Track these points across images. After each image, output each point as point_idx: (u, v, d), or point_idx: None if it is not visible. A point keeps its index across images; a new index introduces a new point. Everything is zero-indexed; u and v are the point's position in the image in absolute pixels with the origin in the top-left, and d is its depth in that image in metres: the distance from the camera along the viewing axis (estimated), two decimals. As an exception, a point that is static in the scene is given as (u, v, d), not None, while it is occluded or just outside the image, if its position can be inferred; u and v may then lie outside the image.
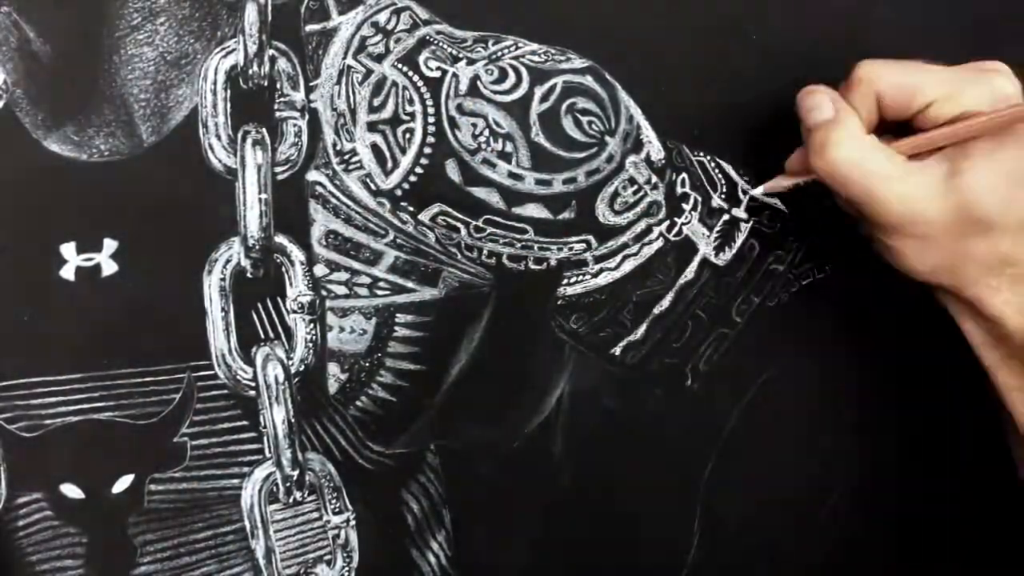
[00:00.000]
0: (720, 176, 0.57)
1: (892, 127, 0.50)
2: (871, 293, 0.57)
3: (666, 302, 0.56)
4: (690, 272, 0.57)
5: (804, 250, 0.58)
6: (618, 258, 0.56)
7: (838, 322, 0.59)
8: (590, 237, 0.55)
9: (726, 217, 0.57)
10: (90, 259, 0.50)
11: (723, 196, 0.57)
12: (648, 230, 0.56)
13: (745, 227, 0.57)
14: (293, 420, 0.53)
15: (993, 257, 0.49)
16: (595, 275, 0.56)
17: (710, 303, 0.57)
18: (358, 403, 0.54)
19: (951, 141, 0.49)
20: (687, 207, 0.57)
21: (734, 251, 0.57)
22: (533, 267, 0.55)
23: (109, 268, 0.50)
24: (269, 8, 0.51)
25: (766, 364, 0.58)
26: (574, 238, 0.55)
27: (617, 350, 0.56)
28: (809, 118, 0.50)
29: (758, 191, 0.55)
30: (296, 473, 0.53)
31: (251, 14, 0.51)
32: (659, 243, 0.56)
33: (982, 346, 0.51)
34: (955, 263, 0.49)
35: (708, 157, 0.57)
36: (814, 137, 0.49)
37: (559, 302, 0.56)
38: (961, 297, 0.50)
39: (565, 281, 0.55)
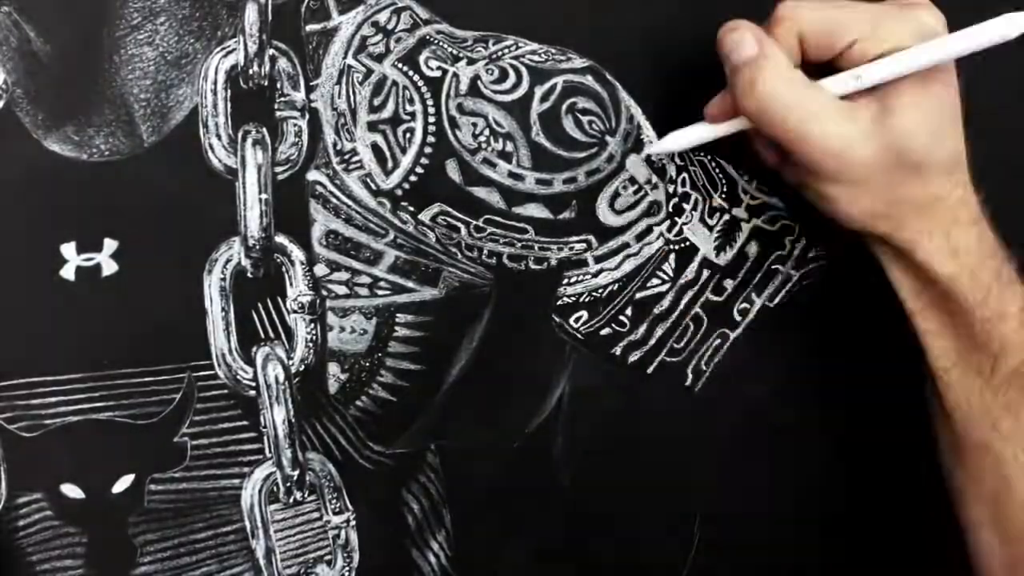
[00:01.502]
0: (721, 176, 0.57)
1: (814, 70, 0.49)
2: (873, 292, 0.57)
3: (666, 302, 0.57)
4: (691, 272, 0.57)
5: (805, 250, 0.58)
6: (618, 258, 0.56)
7: (840, 321, 0.59)
8: (590, 237, 0.55)
9: (727, 217, 0.57)
10: (90, 259, 0.50)
11: (724, 196, 0.57)
12: (648, 230, 0.56)
13: (746, 227, 0.57)
14: (293, 420, 0.53)
15: (924, 199, 0.48)
16: (595, 275, 0.56)
17: (711, 303, 0.57)
18: (358, 403, 0.54)
19: (878, 80, 0.48)
20: (688, 207, 0.57)
21: (735, 251, 0.57)
22: (533, 267, 0.55)
23: (109, 268, 0.50)
24: (269, 8, 0.51)
25: (767, 364, 0.58)
26: (574, 238, 0.55)
27: (618, 350, 0.56)
28: (733, 56, 0.48)
29: (666, 144, 0.53)
30: (296, 473, 0.53)
31: (251, 14, 0.51)
32: (659, 243, 0.56)
33: (908, 293, 0.51)
34: (888, 207, 0.48)
35: (709, 157, 0.57)
36: (742, 75, 0.48)
37: (559, 302, 0.56)
38: (892, 243, 0.49)
39: (565, 281, 0.55)
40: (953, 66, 0.48)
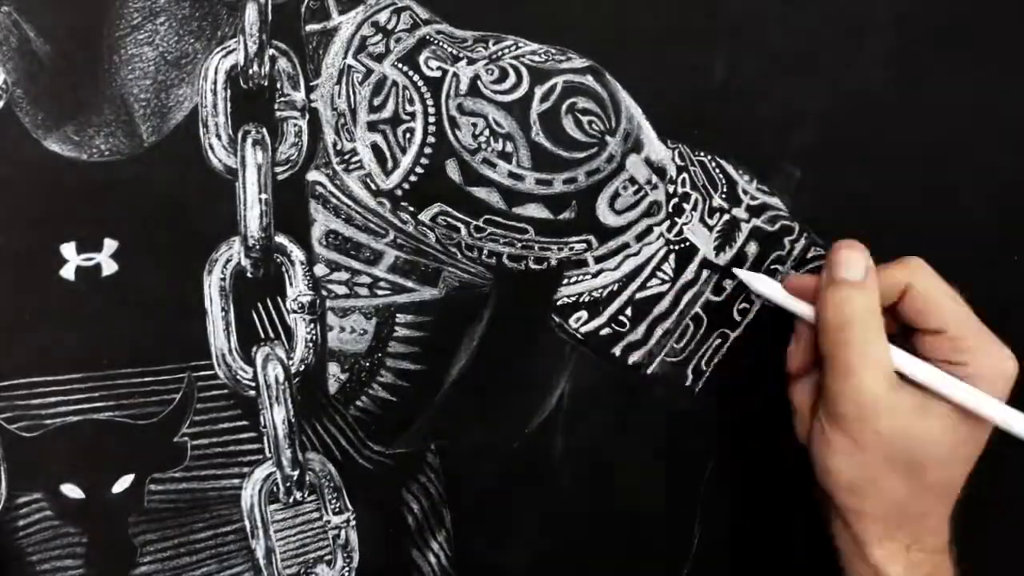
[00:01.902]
0: (721, 176, 0.57)
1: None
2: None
3: (666, 302, 0.56)
4: (690, 272, 0.56)
5: (804, 250, 0.58)
6: (618, 258, 0.56)
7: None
8: (590, 237, 0.55)
9: (727, 217, 0.57)
10: (90, 259, 0.50)
11: (723, 196, 0.57)
12: (648, 230, 0.56)
13: (745, 227, 0.57)
14: (293, 420, 0.53)
15: (905, 502, 0.49)
16: (595, 275, 0.55)
17: (711, 303, 0.57)
18: (358, 403, 0.54)
19: (937, 393, 0.49)
20: (688, 207, 0.56)
21: (734, 251, 0.57)
22: (533, 267, 0.55)
23: (109, 268, 0.50)
24: (269, 8, 0.51)
25: (767, 365, 0.57)
26: (574, 238, 0.54)
27: (617, 350, 0.56)
28: (838, 270, 0.50)
29: (755, 280, 0.55)
30: (296, 473, 0.53)
31: (251, 14, 0.51)
32: (659, 243, 0.56)
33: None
34: (870, 488, 0.49)
35: (709, 157, 0.56)
36: (837, 291, 0.49)
37: (559, 302, 0.55)
38: (850, 527, 0.50)
39: (565, 281, 0.55)
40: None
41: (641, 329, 0.56)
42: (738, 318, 0.57)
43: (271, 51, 0.51)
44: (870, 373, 0.48)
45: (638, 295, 0.56)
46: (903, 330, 0.51)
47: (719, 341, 0.57)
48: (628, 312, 0.56)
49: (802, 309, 0.52)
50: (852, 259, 0.50)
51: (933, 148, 0.57)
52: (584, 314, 0.56)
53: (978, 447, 0.50)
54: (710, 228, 0.57)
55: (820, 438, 0.50)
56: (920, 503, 0.49)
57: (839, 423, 0.49)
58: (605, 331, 0.56)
